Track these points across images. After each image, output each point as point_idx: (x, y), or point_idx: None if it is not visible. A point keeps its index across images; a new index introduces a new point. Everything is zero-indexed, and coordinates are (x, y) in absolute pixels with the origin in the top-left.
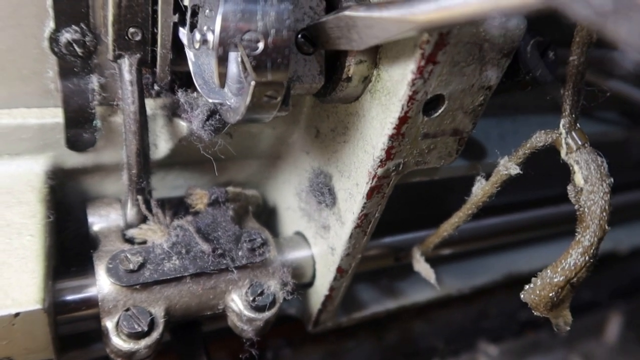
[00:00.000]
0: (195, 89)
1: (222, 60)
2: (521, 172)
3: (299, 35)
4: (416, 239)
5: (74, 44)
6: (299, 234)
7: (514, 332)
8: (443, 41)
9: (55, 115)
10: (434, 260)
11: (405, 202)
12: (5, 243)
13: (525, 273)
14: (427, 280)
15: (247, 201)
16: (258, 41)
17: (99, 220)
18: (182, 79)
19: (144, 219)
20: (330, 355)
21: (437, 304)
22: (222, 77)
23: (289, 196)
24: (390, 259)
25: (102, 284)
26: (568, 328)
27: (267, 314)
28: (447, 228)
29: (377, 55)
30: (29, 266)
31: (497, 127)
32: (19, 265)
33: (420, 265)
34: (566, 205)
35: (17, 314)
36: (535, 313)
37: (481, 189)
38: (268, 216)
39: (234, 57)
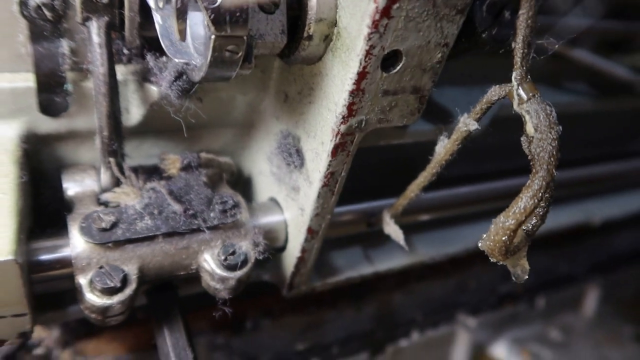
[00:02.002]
0: (164, 54)
1: (182, 14)
2: (479, 127)
3: None
4: (388, 205)
5: (43, 8)
6: (272, 199)
7: (493, 305)
8: None
9: (27, 80)
10: (407, 228)
11: (376, 171)
12: None
13: None
14: (397, 241)
15: (220, 168)
16: None
17: (74, 186)
18: (152, 44)
19: (117, 183)
20: (309, 326)
21: (416, 276)
22: (182, 32)
23: (261, 162)
24: (363, 224)
25: (76, 242)
26: (526, 276)
27: (239, 273)
28: (413, 189)
29: (336, 13)
30: (0, 221)
31: (466, 96)
32: None
33: (390, 227)
34: None
35: None
36: (492, 260)
37: (444, 148)
38: (244, 187)
39: (200, 19)
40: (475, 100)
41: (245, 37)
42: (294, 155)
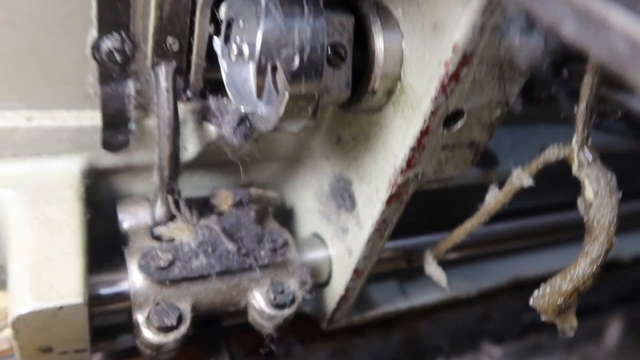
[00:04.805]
0: (225, 95)
1: (261, 74)
2: (534, 185)
3: (329, 50)
4: (427, 242)
5: (114, 52)
6: (316, 235)
7: (517, 334)
8: (466, 60)
9: (92, 118)
10: (442, 263)
11: (418, 207)
12: (48, 238)
13: (530, 277)
14: (438, 284)
15: (267, 202)
16: (294, 56)
17: (129, 218)
18: (213, 85)
19: (171, 218)
20: (339, 353)
21: (443, 306)
22: (260, 89)
23: (308, 199)
24: (403, 261)
25: (135, 279)
26: (572, 333)
27: (287, 312)
28: (460, 234)
29: (401, 69)
30: (70, 261)
31: (509, 137)
32: (61, 259)
33: (432, 269)
34: (570, 213)
35: (61, 307)
36: (543, 318)
37: (494, 198)
38: (285, 217)
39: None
40: (518, 141)
41: (316, 95)
42: (346, 199)
